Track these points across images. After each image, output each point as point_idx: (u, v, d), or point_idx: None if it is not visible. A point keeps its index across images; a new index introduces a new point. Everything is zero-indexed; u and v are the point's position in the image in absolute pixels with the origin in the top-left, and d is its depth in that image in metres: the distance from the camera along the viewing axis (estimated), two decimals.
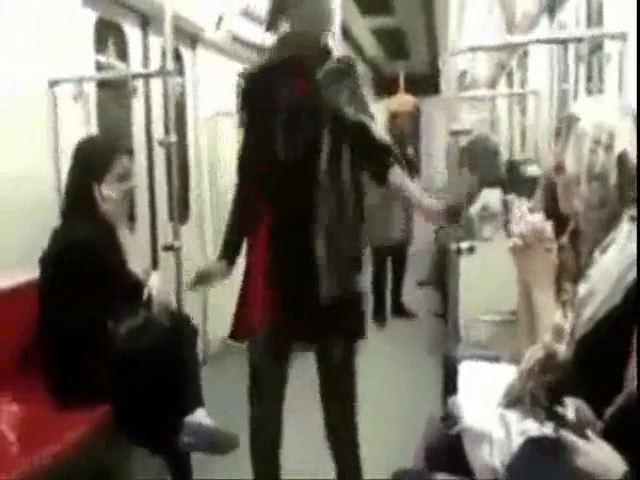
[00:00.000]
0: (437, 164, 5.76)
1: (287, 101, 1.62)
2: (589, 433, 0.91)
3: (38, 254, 1.83)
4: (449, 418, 1.38)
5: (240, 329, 1.72)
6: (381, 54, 7.01)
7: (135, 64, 2.82)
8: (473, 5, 4.23)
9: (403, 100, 4.75)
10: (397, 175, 1.70)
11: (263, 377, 1.71)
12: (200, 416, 1.79)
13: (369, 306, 3.48)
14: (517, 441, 1.16)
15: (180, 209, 2.35)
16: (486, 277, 2.12)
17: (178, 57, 3.15)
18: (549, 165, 1.71)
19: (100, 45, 2.58)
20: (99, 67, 2.57)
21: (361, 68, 1.82)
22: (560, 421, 0.95)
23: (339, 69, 1.68)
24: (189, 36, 3.28)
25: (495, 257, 1.77)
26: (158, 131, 2.79)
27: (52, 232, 1.87)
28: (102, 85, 2.55)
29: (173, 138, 2.14)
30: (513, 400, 1.21)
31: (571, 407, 0.94)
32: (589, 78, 2.63)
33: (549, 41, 3.11)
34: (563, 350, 1.08)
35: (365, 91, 1.75)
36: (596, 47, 2.38)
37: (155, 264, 2.65)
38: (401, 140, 3.82)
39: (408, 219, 4.19)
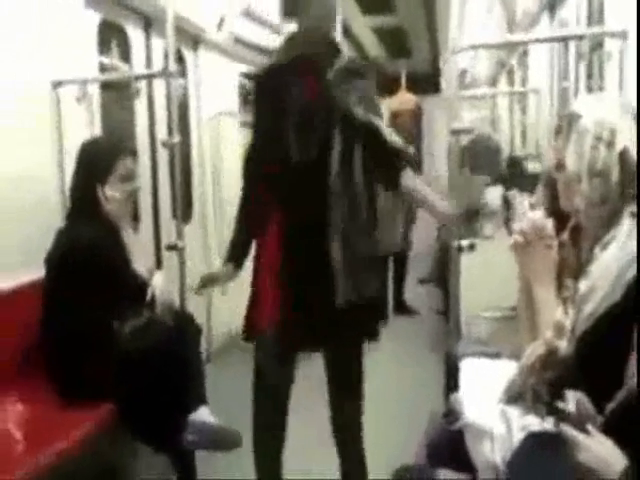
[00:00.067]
0: (439, 163, 5.76)
1: (298, 102, 1.59)
2: (590, 428, 0.91)
3: (42, 255, 1.84)
4: (451, 414, 1.39)
5: (252, 330, 1.69)
6: (382, 53, 7.01)
7: (138, 65, 2.83)
8: (474, 3, 4.23)
9: (405, 99, 4.75)
10: (409, 178, 1.67)
11: (268, 376, 1.70)
12: (204, 414, 1.80)
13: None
14: (518, 437, 1.16)
15: (183, 209, 2.36)
16: (487, 274, 2.13)
17: (180, 58, 3.16)
18: (550, 162, 1.72)
19: (103, 47, 2.59)
20: (102, 68, 2.58)
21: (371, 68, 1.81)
22: (561, 416, 0.96)
23: (349, 69, 1.65)
24: (191, 37, 3.30)
25: (496, 254, 1.78)
26: (161, 132, 2.81)
27: (56, 233, 1.88)
28: (105, 86, 2.56)
29: (176, 139, 2.15)
30: (514, 396, 1.21)
31: (572, 400, 0.94)
32: (590, 76, 2.63)
33: (550, 39, 3.11)
34: (564, 346, 1.09)
35: (375, 92, 1.72)
36: (597, 45, 2.38)
37: (159, 264, 2.66)
38: (403, 139, 3.82)
39: (407, 228, 4.22)
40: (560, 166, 1.15)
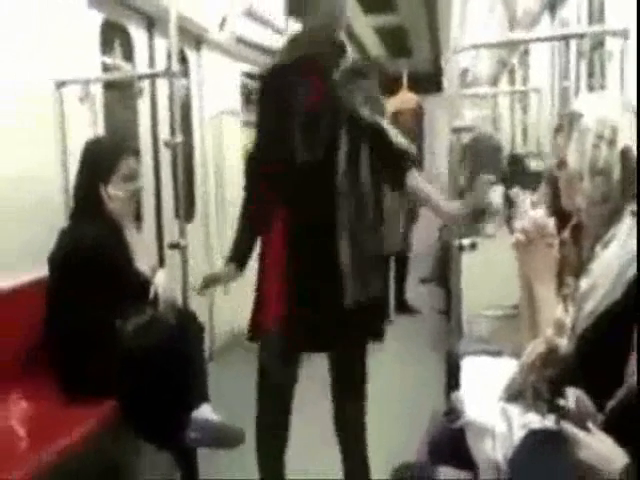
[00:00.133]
0: (440, 161, 5.77)
1: (303, 102, 1.58)
2: (590, 425, 0.91)
3: (45, 254, 1.85)
4: (452, 412, 1.39)
5: (257, 329, 1.68)
6: (383, 52, 7.00)
7: (141, 65, 2.84)
8: (475, 3, 4.23)
9: (406, 98, 4.75)
10: (414, 178, 1.67)
11: (272, 376, 1.69)
12: (206, 412, 1.81)
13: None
14: (519, 434, 1.17)
15: (186, 208, 2.36)
16: (488, 273, 2.13)
17: (183, 58, 3.17)
18: (551, 161, 1.72)
19: (106, 47, 2.60)
20: (105, 68, 2.59)
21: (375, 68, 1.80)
22: (561, 413, 0.96)
23: (354, 69, 1.64)
24: (194, 37, 3.31)
25: (497, 253, 1.79)
26: (164, 131, 2.82)
27: (59, 232, 1.89)
28: (108, 86, 2.56)
29: (179, 138, 2.15)
30: (515, 394, 1.22)
31: (571, 397, 0.95)
32: (591, 75, 2.63)
33: (551, 38, 3.11)
34: (564, 344, 1.09)
35: (379, 92, 1.72)
36: (597, 44, 2.39)
37: (161, 262, 2.67)
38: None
39: (407, 229, 4.22)
40: (562, 164, 1.16)
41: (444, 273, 3.36)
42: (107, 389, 1.75)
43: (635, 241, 1.03)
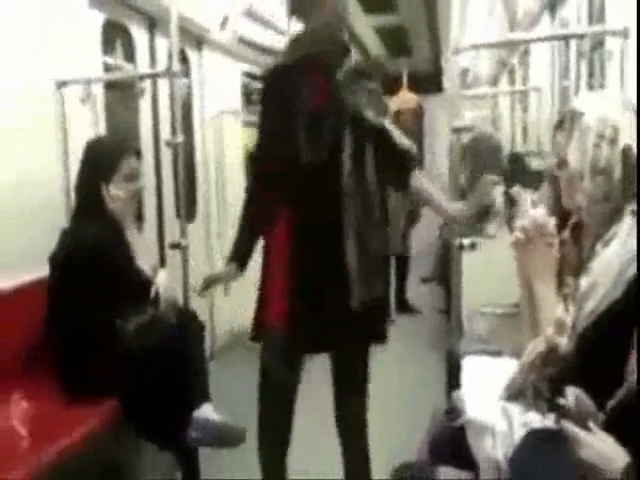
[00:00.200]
0: (440, 162, 5.77)
1: (307, 103, 1.57)
2: (591, 425, 0.92)
3: (46, 254, 1.85)
4: (453, 411, 1.40)
5: (260, 328, 1.68)
6: (384, 52, 7.00)
7: (142, 65, 2.84)
8: (475, 3, 4.24)
9: (406, 98, 4.75)
10: (418, 179, 1.68)
11: (275, 376, 1.68)
12: (207, 411, 1.81)
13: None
14: (519, 433, 1.17)
15: (187, 207, 2.37)
16: (489, 272, 2.13)
17: (184, 58, 3.18)
18: (552, 160, 1.72)
19: (107, 47, 2.60)
20: (107, 68, 2.59)
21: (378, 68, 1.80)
22: (561, 412, 0.96)
23: (358, 70, 1.64)
24: (195, 37, 3.31)
25: (498, 252, 1.79)
26: (165, 131, 2.82)
27: (61, 232, 1.89)
28: (110, 86, 2.57)
29: (180, 138, 2.16)
30: (515, 393, 1.22)
31: (571, 396, 0.95)
32: (591, 75, 2.63)
33: (551, 38, 3.11)
34: (565, 343, 1.09)
35: (382, 92, 1.71)
36: (597, 44, 2.39)
37: (162, 262, 2.67)
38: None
39: (406, 231, 4.22)
40: (562, 163, 1.16)
41: (445, 272, 3.36)
42: (108, 389, 1.75)
43: (636, 240, 1.03)
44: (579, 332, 1.08)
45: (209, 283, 1.74)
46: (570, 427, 0.92)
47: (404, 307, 4.43)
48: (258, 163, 1.73)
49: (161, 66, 2.84)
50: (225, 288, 1.74)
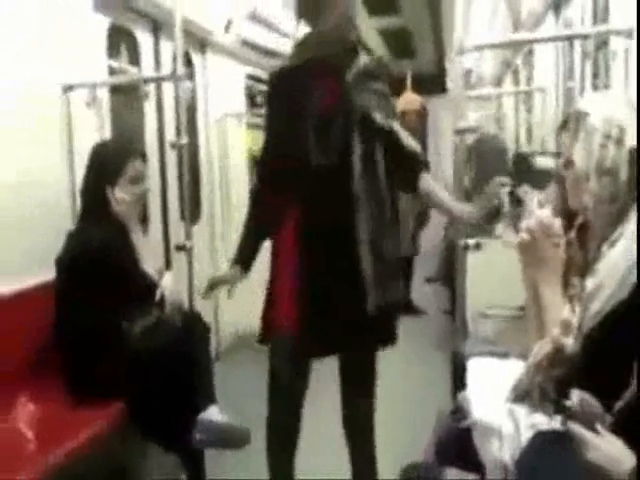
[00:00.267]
0: (444, 163, 5.77)
1: (317, 105, 1.56)
2: (599, 427, 0.91)
3: (52, 258, 1.86)
4: (459, 412, 1.39)
5: (268, 330, 1.67)
6: (387, 54, 7.00)
7: (147, 69, 2.85)
8: (479, 4, 4.23)
9: (410, 99, 4.74)
10: (427, 181, 1.67)
11: (283, 377, 1.67)
12: (212, 413, 1.81)
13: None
14: (526, 435, 1.17)
15: (191, 209, 2.37)
16: (494, 273, 2.13)
17: (189, 61, 3.19)
18: (558, 160, 1.72)
19: (112, 50, 2.61)
20: (112, 72, 2.60)
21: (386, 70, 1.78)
22: (568, 414, 0.96)
23: (367, 71, 1.63)
24: (199, 40, 3.32)
25: (503, 253, 1.78)
26: (170, 134, 2.83)
27: (67, 235, 1.90)
28: (115, 90, 2.58)
29: (184, 140, 2.16)
30: (521, 394, 1.21)
31: (576, 398, 0.94)
32: (595, 75, 2.62)
33: (555, 38, 3.11)
34: (571, 344, 1.09)
35: (390, 94, 1.70)
36: (602, 44, 2.38)
37: (168, 264, 2.68)
38: None
39: (416, 233, 4.21)
40: (568, 164, 1.15)
41: (449, 273, 3.35)
42: (114, 391, 1.76)
43: None
44: (585, 333, 1.07)
45: (213, 285, 1.74)
46: (577, 429, 0.92)
47: (409, 308, 4.42)
48: (264, 164, 1.72)
49: (166, 69, 2.85)
50: (229, 290, 1.74)
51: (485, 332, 2.14)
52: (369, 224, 1.58)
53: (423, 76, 6.37)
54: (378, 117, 1.61)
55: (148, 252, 1.99)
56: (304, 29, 1.65)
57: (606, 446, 0.89)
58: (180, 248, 2.21)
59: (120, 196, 1.88)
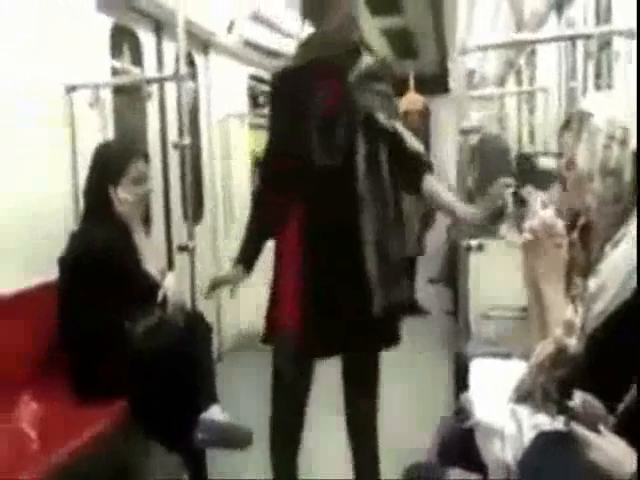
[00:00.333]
0: (447, 163, 5.77)
1: (321, 105, 1.56)
2: (601, 427, 0.91)
3: (54, 258, 1.86)
4: (461, 412, 1.39)
5: (272, 331, 1.67)
6: (390, 54, 7.01)
7: (149, 69, 2.85)
8: (481, 4, 4.23)
9: (413, 99, 4.74)
10: (430, 182, 1.67)
11: (287, 377, 1.67)
12: (214, 413, 1.81)
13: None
14: (529, 436, 1.17)
15: (194, 210, 2.38)
16: (496, 274, 2.13)
17: (191, 62, 3.20)
18: (560, 160, 1.71)
19: (115, 51, 2.61)
20: (114, 72, 2.61)
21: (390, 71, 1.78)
22: (570, 415, 0.96)
23: (370, 72, 1.63)
24: (201, 41, 3.33)
25: (505, 254, 1.78)
26: (172, 134, 2.83)
27: (70, 235, 1.91)
28: (117, 90, 2.58)
29: (187, 140, 2.17)
30: (524, 395, 1.22)
31: (578, 399, 0.94)
32: (598, 75, 2.62)
33: (557, 39, 3.10)
34: (574, 344, 1.09)
35: (393, 94, 1.70)
36: (605, 44, 2.38)
37: (170, 264, 2.69)
38: None
39: (421, 234, 4.21)
40: (570, 164, 1.15)
41: (452, 273, 3.35)
42: (117, 390, 1.76)
43: None
44: (588, 333, 1.07)
45: (216, 285, 1.75)
46: (579, 429, 0.92)
47: (412, 308, 4.41)
48: (267, 164, 1.72)
49: (168, 70, 2.86)
50: (231, 290, 1.74)
51: (488, 333, 2.14)
52: (374, 224, 1.58)
53: (426, 76, 6.38)
54: (381, 118, 1.61)
55: (151, 252, 1.99)
56: (309, 29, 1.65)
57: (608, 447, 0.89)
58: (182, 248, 2.21)
59: (123, 196, 1.89)
